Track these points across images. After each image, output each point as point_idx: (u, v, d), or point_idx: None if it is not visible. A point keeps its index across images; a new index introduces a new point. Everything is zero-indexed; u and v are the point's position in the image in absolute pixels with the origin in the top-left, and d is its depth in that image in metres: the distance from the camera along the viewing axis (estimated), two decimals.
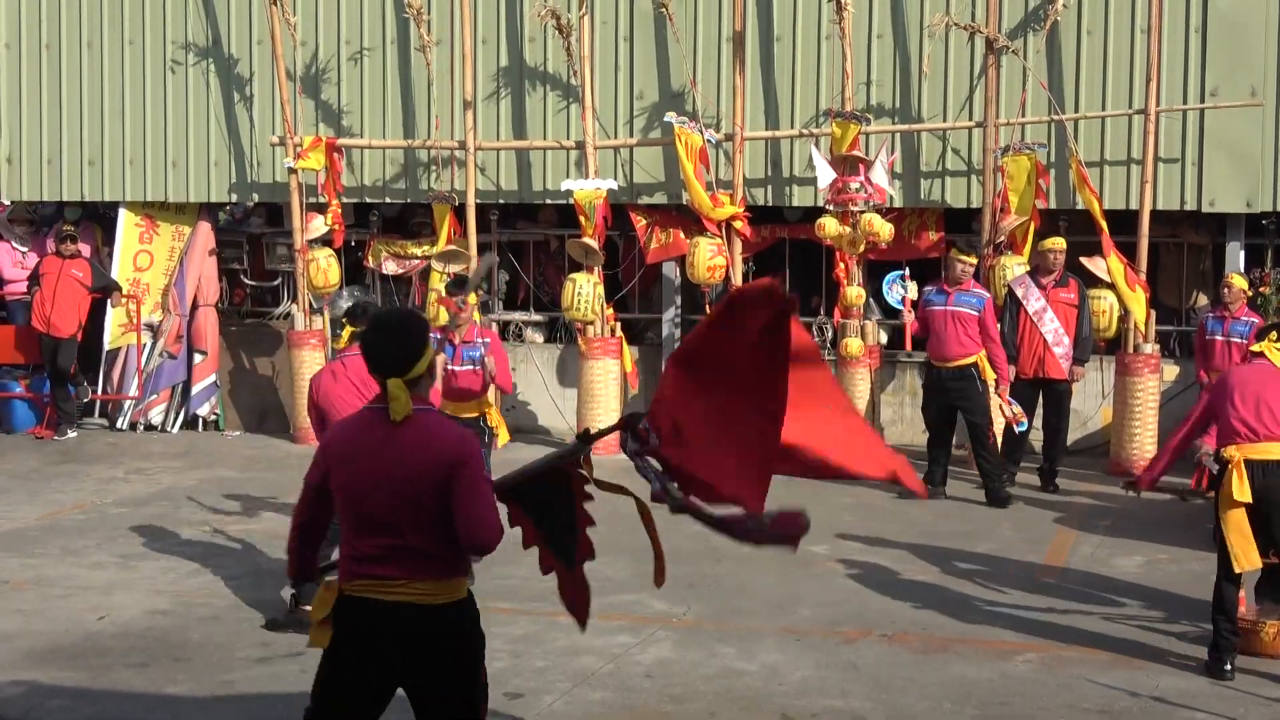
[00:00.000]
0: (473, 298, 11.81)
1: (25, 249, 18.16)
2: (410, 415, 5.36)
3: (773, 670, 8.44)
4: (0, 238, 18.51)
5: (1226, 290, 13.12)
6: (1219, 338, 12.99)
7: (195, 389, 17.30)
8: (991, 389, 13.10)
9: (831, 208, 14.68)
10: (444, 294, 12.38)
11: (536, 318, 17.15)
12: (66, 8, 17.61)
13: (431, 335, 5.69)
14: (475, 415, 11.13)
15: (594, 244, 15.20)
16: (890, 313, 15.85)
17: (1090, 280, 14.11)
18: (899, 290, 13.15)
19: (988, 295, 13.38)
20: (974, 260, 13.51)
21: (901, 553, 11.24)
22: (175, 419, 17.33)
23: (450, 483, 5.32)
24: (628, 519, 12.50)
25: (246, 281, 18.29)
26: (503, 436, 11.94)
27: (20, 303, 17.53)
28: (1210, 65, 14.55)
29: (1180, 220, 15.44)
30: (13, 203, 18.55)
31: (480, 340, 11.17)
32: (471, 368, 11.05)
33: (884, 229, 14.42)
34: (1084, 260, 14.44)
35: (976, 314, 13.01)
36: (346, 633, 5.42)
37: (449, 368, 10.94)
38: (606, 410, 15.39)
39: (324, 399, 9.23)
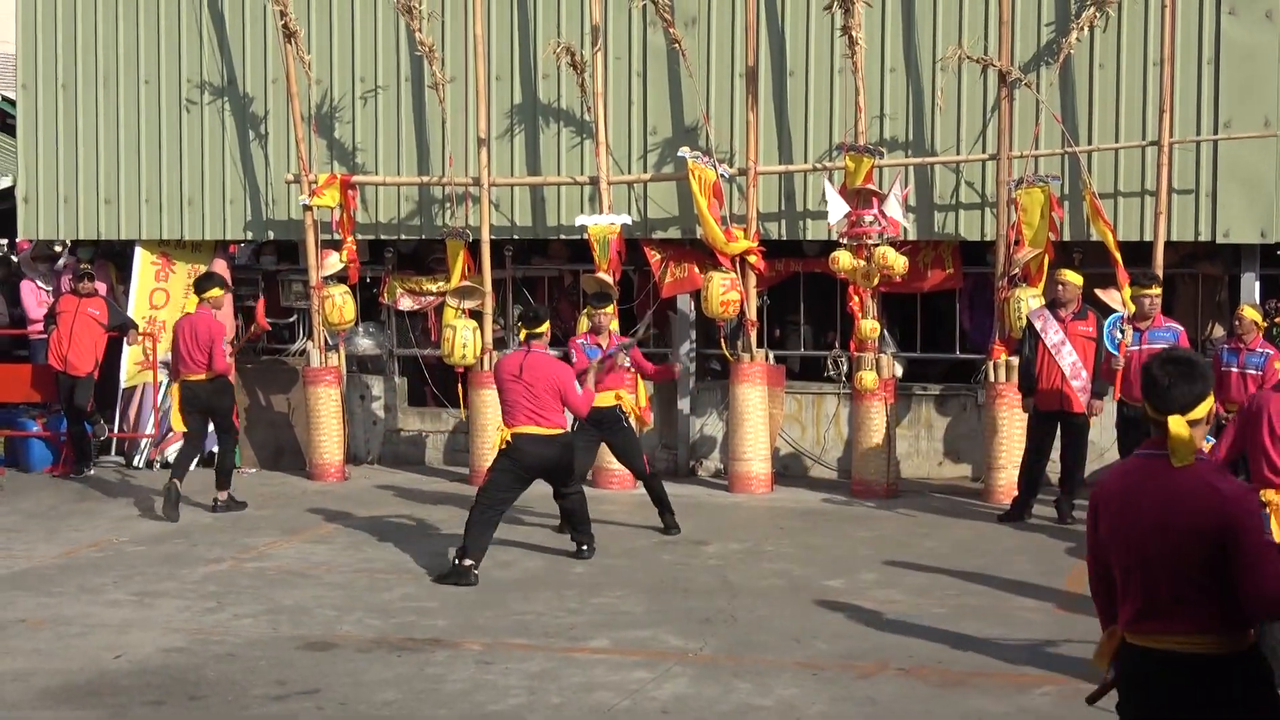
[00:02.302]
0: (611, 308, 13.71)
1: (50, 287, 18.24)
2: (1190, 463, 5.06)
3: (789, 705, 8.41)
4: (24, 276, 18.61)
5: (1238, 322, 13.08)
6: (1234, 369, 12.95)
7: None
8: None
9: (845, 241, 14.69)
10: (591, 306, 13.77)
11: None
12: (82, 48, 17.70)
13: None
14: (612, 405, 13.24)
15: (608, 279, 15.21)
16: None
17: (1106, 312, 14.09)
18: (1118, 334, 12.96)
19: (1181, 329, 13.22)
20: (1159, 291, 13.28)
21: (918, 585, 11.21)
22: None
23: (1228, 538, 4.94)
24: (642, 554, 12.54)
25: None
26: (640, 397, 14.21)
27: (42, 341, 17.58)
28: (1223, 97, 14.55)
29: (1195, 251, 15.42)
30: (36, 242, 18.64)
31: (619, 344, 13.30)
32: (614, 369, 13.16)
33: (898, 262, 14.42)
34: (1099, 292, 14.43)
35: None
36: (1126, 680, 5.22)
37: (604, 365, 12.94)
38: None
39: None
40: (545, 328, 12.10)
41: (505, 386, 11.83)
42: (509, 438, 11.66)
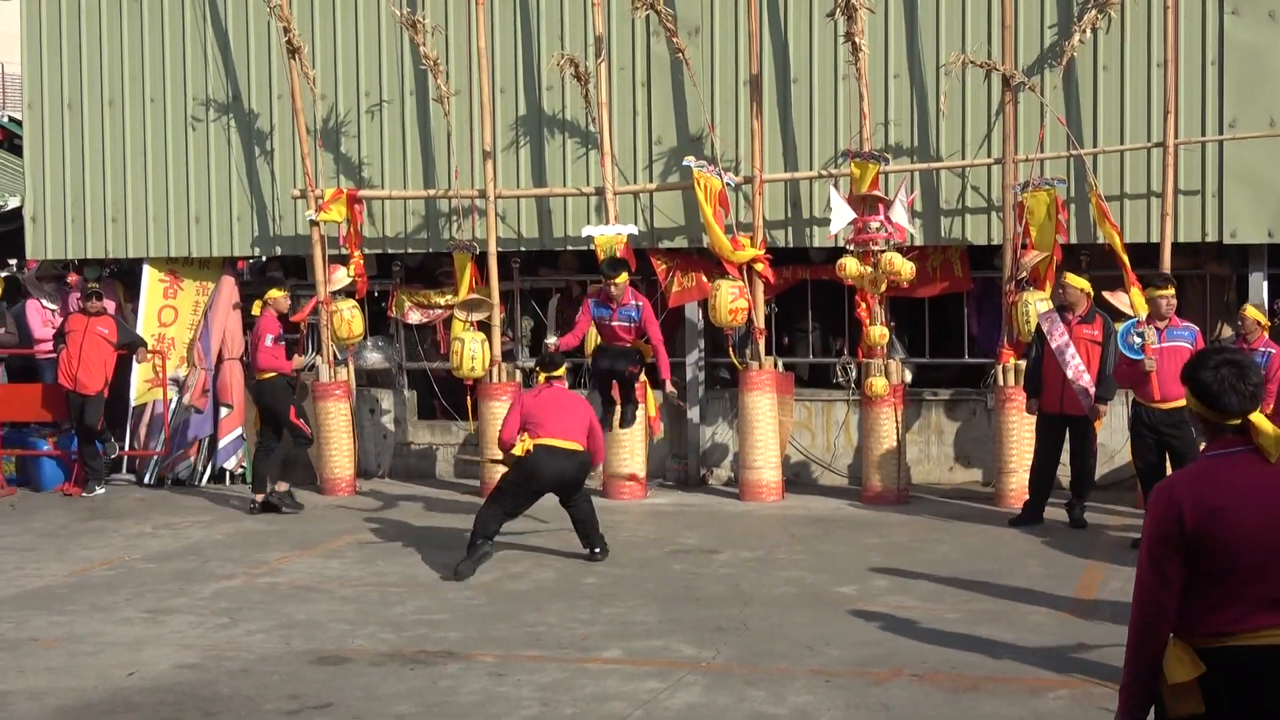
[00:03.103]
0: (623, 277, 13.90)
1: (55, 307, 18.28)
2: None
3: (803, 713, 8.40)
4: (30, 296, 18.64)
5: (1241, 322, 13.08)
6: None
7: (222, 442, 17.35)
8: None
9: (852, 248, 14.70)
10: (604, 272, 14.09)
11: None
12: (88, 67, 17.75)
13: None
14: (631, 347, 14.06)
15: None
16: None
17: (1114, 315, 14.08)
18: (1136, 339, 12.92)
19: (1197, 329, 13.19)
20: (1174, 291, 13.19)
21: (930, 591, 11.20)
22: (202, 473, 17.37)
23: None
24: (653, 563, 12.53)
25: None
26: (650, 406, 14.90)
27: (50, 361, 17.61)
28: (1228, 97, 14.55)
29: (1202, 252, 15.42)
30: (41, 261, 18.68)
31: (634, 303, 13.88)
32: (625, 323, 13.94)
33: (905, 268, 14.43)
34: (1106, 294, 14.42)
35: (1190, 348, 12.66)
36: (1235, 684, 5.03)
37: (609, 323, 13.97)
38: (632, 454, 15.43)
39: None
40: (562, 370, 12.84)
41: (530, 407, 12.30)
42: (530, 447, 11.93)
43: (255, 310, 15.79)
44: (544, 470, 12.01)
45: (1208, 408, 5.12)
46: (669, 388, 14.19)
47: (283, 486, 15.39)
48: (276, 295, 15.41)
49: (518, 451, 12.08)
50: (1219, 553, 4.98)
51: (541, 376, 12.70)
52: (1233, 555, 4.97)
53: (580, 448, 12.24)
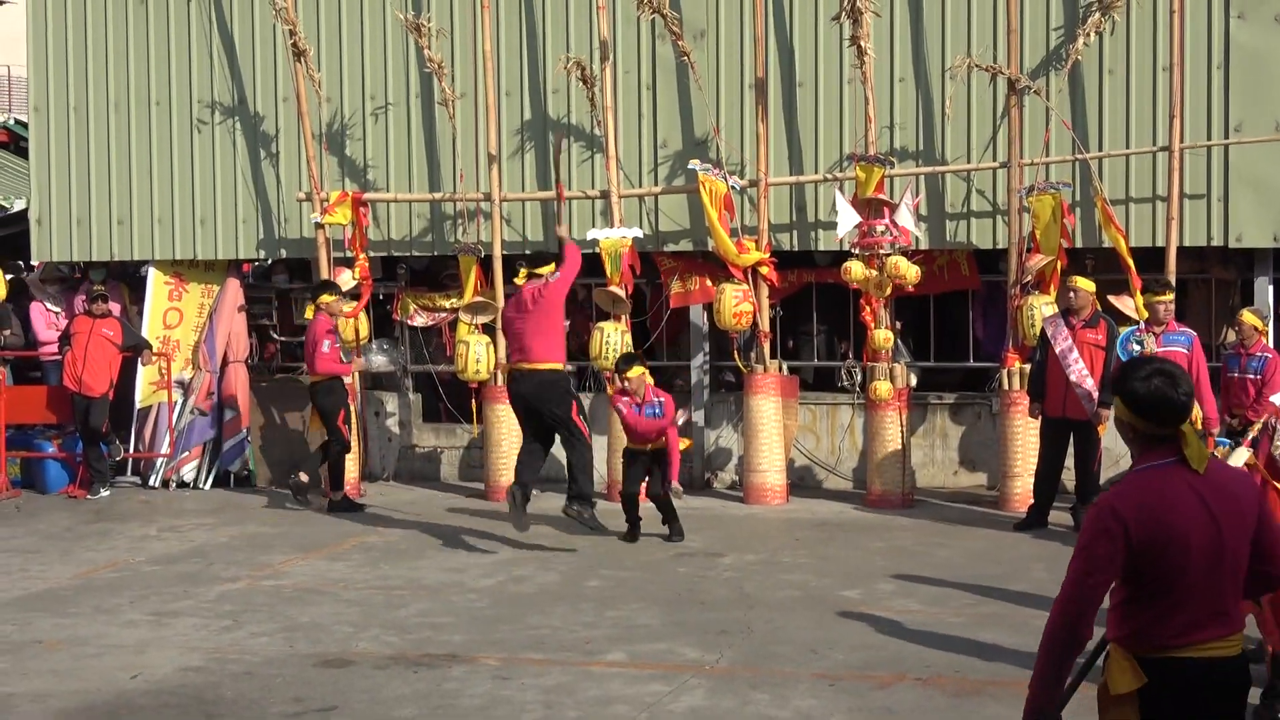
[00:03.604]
0: (636, 370, 13.44)
1: (59, 309, 18.30)
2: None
3: (807, 716, 8.39)
4: (34, 298, 18.66)
5: (1238, 328, 13.09)
6: (1236, 374, 12.96)
7: (227, 445, 17.37)
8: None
9: (857, 251, 14.70)
10: (617, 369, 13.82)
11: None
12: (94, 70, 17.77)
13: None
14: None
15: (620, 293, 15.23)
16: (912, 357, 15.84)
17: (1119, 319, 14.07)
18: (1135, 347, 12.90)
19: (1194, 334, 13.14)
20: (1172, 296, 13.17)
21: (935, 595, 11.19)
22: (207, 475, 17.38)
23: (1261, 522, 5.09)
24: (657, 566, 12.53)
25: (276, 337, 18.43)
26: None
27: (54, 363, 17.63)
28: (1234, 101, 14.54)
29: (1208, 256, 15.41)
30: (44, 264, 18.70)
31: (656, 400, 13.41)
32: (652, 417, 13.40)
33: (910, 271, 14.42)
34: (1112, 299, 14.41)
35: (1187, 353, 12.80)
36: (1171, 698, 5.03)
37: (640, 422, 13.41)
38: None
39: None
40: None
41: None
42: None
43: (308, 315, 15.92)
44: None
45: (1140, 418, 5.08)
46: (675, 486, 13.53)
47: (304, 478, 15.49)
48: (329, 299, 15.49)
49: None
50: (1163, 566, 4.97)
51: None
52: (1176, 568, 4.96)
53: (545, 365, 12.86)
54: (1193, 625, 4.97)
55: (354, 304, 15.98)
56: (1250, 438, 10.57)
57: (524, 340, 12.87)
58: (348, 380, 15.70)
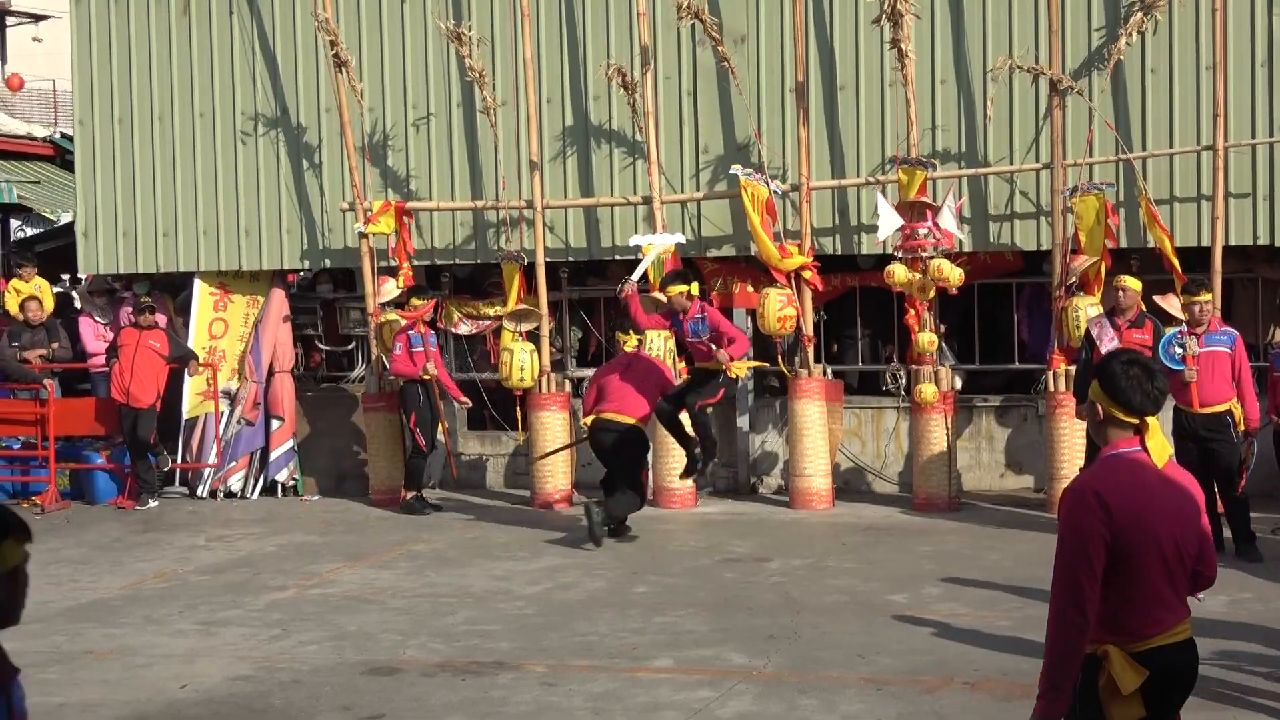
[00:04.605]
0: (675, 288, 13.76)
1: (106, 321, 18.41)
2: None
3: None
4: (82, 311, 18.78)
5: (1276, 328, 12.98)
6: (1278, 373, 12.90)
7: (273, 454, 17.43)
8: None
9: (900, 254, 14.66)
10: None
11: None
12: (138, 83, 17.88)
13: None
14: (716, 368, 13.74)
15: (663, 298, 15.21)
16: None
17: (1165, 319, 13.99)
18: (1177, 350, 12.86)
19: (1236, 333, 13.04)
20: (1210, 296, 13.07)
21: (982, 599, 11.15)
22: (254, 485, 17.46)
23: (1203, 524, 5.32)
24: (704, 572, 12.52)
25: (321, 346, 18.50)
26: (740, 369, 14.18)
27: (102, 374, 17.74)
28: (1278, 98, 14.46)
29: (1253, 255, 15.31)
30: (91, 276, 18.83)
31: (700, 316, 13.71)
32: (695, 338, 13.71)
33: (953, 274, 14.39)
34: (1157, 299, 14.34)
35: (1229, 353, 12.69)
36: (1160, 683, 5.22)
37: (689, 339, 13.80)
38: (680, 460, 15.38)
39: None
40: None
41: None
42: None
43: (389, 317, 16.43)
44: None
45: (1112, 400, 5.24)
46: (728, 364, 13.69)
47: (409, 494, 16.01)
48: (416, 304, 15.86)
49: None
50: (1137, 553, 5.12)
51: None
52: (1149, 556, 5.12)
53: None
54: (1164, 611, 5.18)
55: (425, 305, 16.03)
56: None
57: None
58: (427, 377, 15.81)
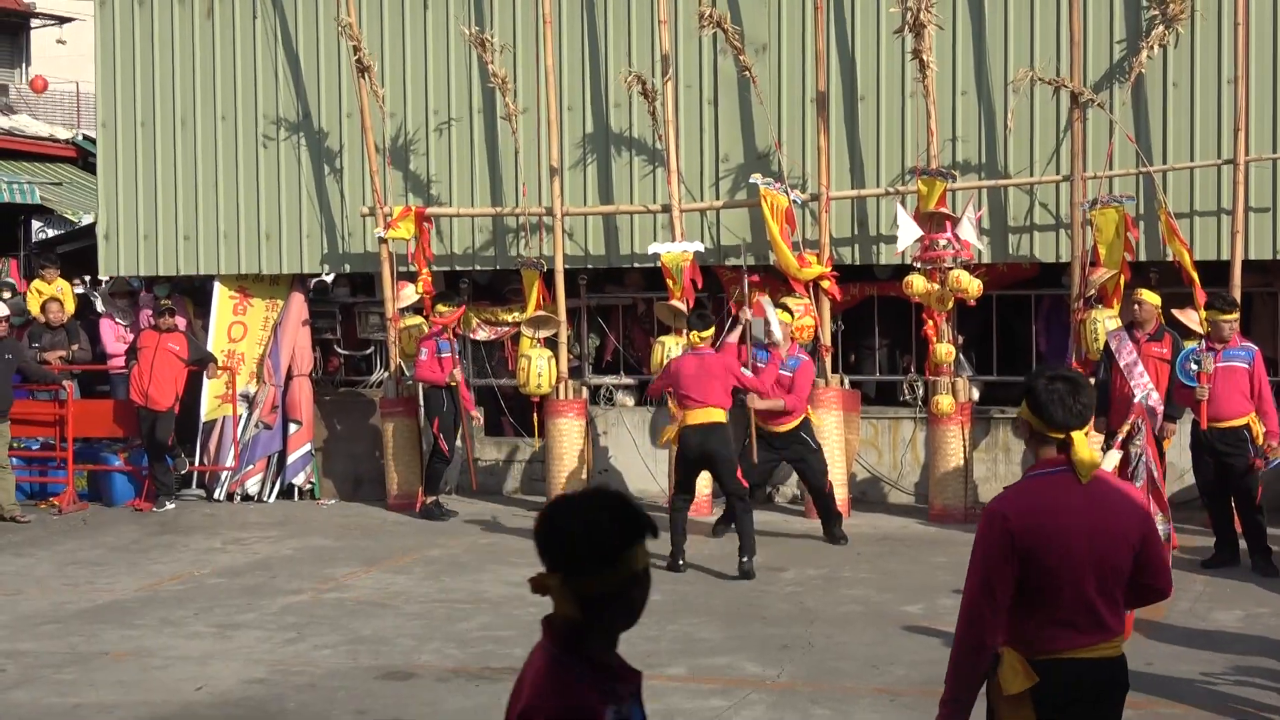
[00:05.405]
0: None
1: (127, 323, 18.47)
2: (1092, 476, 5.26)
3: None
4: (103, 313, 18.84)
5: None
6: None
7: (291, 458, 17.45)
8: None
9: (918, 265, 14.66)
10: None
11: (626, 381, 17.20)
12: (160, 86, 17.94)
13: None
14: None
15: (682, 307, 15.23)
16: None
17: (1184, 333, 13.96)
18: (1193, 366, 12.85)
19: (1256, 348, 13.01)
20: (1237, 315, 13.07)
21: None
22: (271, 489, 17.49)
23: (1145, 541, 5.28)
24: (719, 581, 12.51)
25: (339, 351, 18.54)
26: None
27: (122, 376, 17.79)
28: None
29: (1273, 269, 15.28)
30: (113, 278, 18.89)
31: (797, 359, 13.83)
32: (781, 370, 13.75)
33: (972, 285, 14.38)
34: (1176, 312, 14.29)
35: (1247, 368, 12.65)
36: (1062, 697, 5.22)
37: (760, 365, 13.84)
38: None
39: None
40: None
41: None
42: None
43: (412, 321, 16.59)
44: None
45: (1035, 416, 5.27)
46: (754, 403, 13.55)
47: (428, 499, 16.04)
48: (442, 309, 15.88)
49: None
50: (1047, 571, 5.15)
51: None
52: (1060, 574, 5.15)
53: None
54: (1072, 630, 5.19)
55: (454, 310, 16.05)
56: (1120, 439, 10.79)
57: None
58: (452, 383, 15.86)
